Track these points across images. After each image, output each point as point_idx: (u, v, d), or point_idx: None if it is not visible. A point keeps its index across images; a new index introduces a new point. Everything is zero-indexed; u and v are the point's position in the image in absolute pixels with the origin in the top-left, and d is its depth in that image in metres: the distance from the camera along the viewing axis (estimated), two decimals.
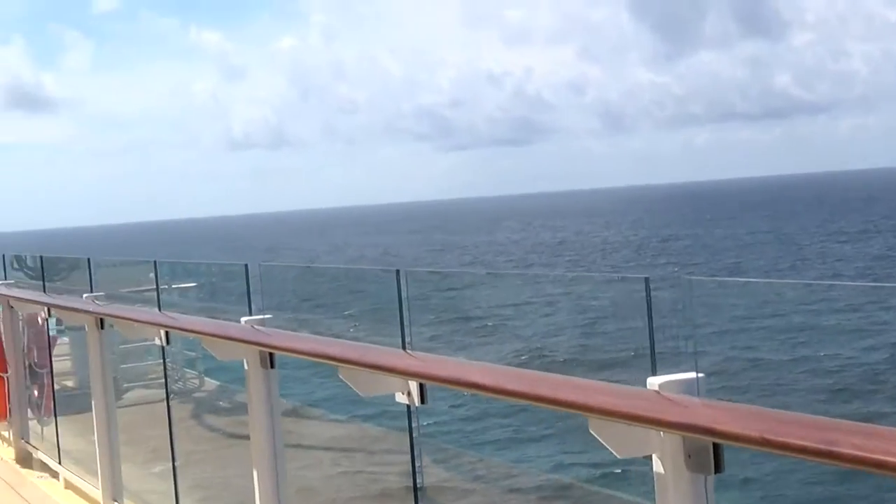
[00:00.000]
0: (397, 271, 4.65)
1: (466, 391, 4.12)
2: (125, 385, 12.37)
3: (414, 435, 4.68)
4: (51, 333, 9.87)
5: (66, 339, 10.52)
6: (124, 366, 12.54)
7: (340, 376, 4.67)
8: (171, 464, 7.09)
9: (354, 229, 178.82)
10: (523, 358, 32.20)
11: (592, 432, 3.37)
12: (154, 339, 6.89)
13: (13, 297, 9.66)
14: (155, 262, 7.13)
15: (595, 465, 17.59)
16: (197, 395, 12.21)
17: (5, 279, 10.44)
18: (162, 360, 7.33)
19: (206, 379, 12.12)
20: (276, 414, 5.73)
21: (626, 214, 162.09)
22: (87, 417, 9.88)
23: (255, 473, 5.76)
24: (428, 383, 4.37)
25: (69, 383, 10.43)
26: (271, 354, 5.59)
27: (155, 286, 7.92)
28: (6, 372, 9.90)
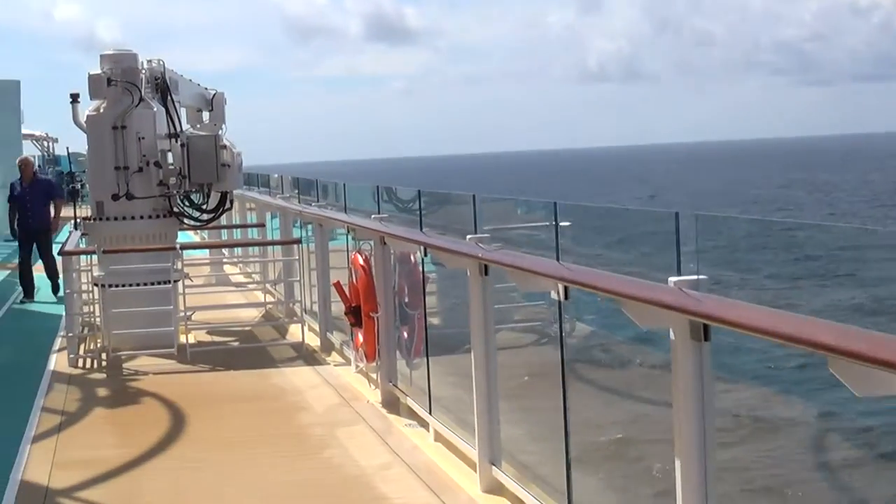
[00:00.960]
0: None
1: None
2: None
3: None
4: (425, 273, 9.27)
5: (434, 275, 9.91)
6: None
7: (831, 370, 3.53)
8: (563, 432, 6.17)
9: (700, 165, 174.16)
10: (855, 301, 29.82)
11: None
12: (550, 293, 6.00)
13: (388, 234, 9.06)
14: (555, 204, 6.17)
15: None
16: (568, 341, 11.40)
17: (378, 213, 9.88)
18: (556, 310, 6.34)
19: (578, 324, 11.26)
20: (708, 396, 4.65)
21: None
22: (459, 363, 9.22)
23: (677, 462, 4.71)
24: None
25: (436, 321, 9.82)
26: (706, 326, 4.52)
27: (541, 226, 7.07)
28: (377, 311, 9.37)
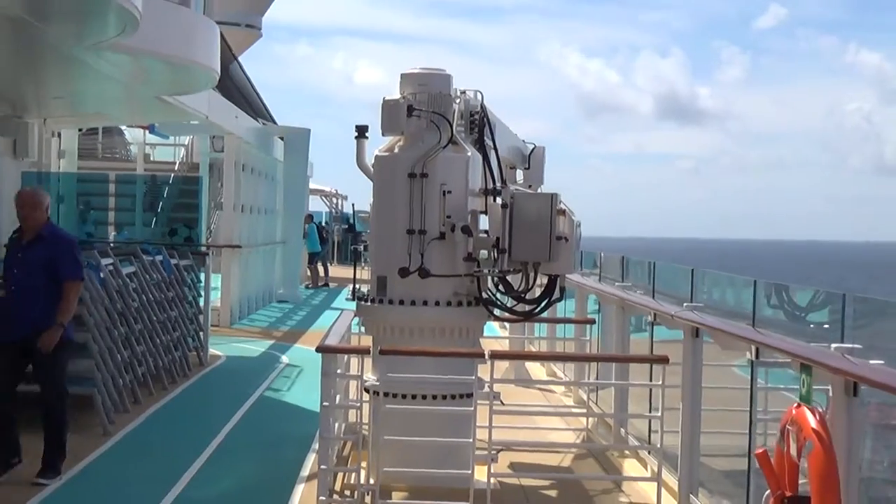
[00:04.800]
0: None
1: None
2: None
3: None
4: None
5: None
6: None
7: None
8: None
9: None
10: None
11: None
12: None
13: (876, 381, 5.05)
14: None
15: None
16: None
17: (841, 340, 5.84)
18: None
19: None
20: None
21: None
22: None
23: None
24: None
25: None
26: None
27: None
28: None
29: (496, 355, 8.41)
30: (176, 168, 35.19)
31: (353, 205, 30.41)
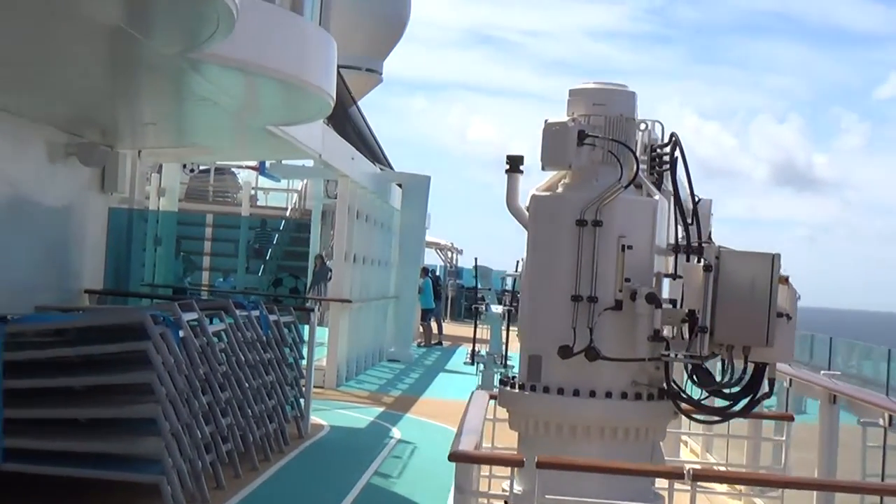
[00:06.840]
0: None
1: None
2: None
3: None
4: None
5: None
6: None
7: None
8: None
9: None
10: None
11: None
12: None
13: None
14: None
15: None
16: None
17: None
18: None
19: None
20: None
21: None
22: None
23: None
24: None
25: None
26: None
27: None
28: None
29: (702, 475, 6.06)
30: (287, 214, 33.64)
31: (475, 258, 28.24)
